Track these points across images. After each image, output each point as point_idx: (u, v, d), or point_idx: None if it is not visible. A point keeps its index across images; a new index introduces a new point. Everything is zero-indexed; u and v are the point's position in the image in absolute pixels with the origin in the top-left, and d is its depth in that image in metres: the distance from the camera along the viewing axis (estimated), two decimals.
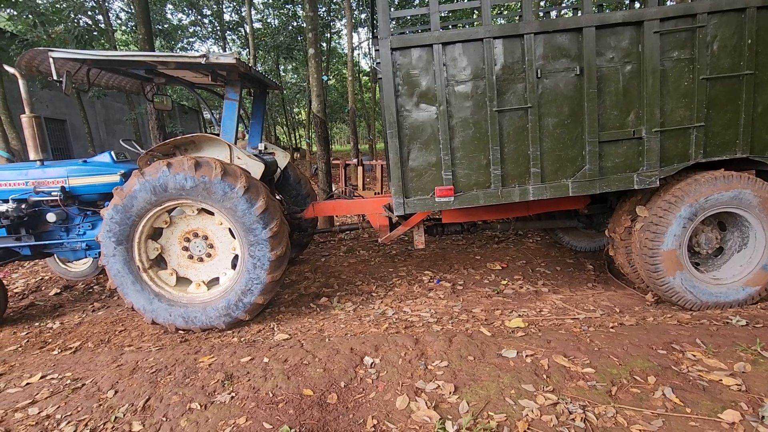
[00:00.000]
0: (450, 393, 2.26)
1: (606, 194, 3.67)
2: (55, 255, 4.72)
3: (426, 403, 2.20)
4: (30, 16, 12.44)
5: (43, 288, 4.90)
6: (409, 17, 7.43)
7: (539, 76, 3.01)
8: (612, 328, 2.94)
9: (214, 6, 18.12)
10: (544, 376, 2.36)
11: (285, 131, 24.50)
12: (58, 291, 4.70)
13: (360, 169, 8.78)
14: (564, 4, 6.97)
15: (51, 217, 3.98)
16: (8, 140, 7.39)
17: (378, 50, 2.99)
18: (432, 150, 3.12)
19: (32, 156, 3.92)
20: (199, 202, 3.29)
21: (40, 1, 12.85)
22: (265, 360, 2.72)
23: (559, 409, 2.09)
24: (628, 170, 3.14)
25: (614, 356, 2.53)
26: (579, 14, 3.34)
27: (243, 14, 19.62)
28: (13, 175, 3.95)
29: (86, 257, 4.30)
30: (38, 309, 4.24)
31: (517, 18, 4.29)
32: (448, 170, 3.12)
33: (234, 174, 3.29)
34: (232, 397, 2.37)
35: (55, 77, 3.29)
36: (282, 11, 19.35)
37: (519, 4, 4.27)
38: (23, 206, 3.90)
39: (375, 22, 4.43)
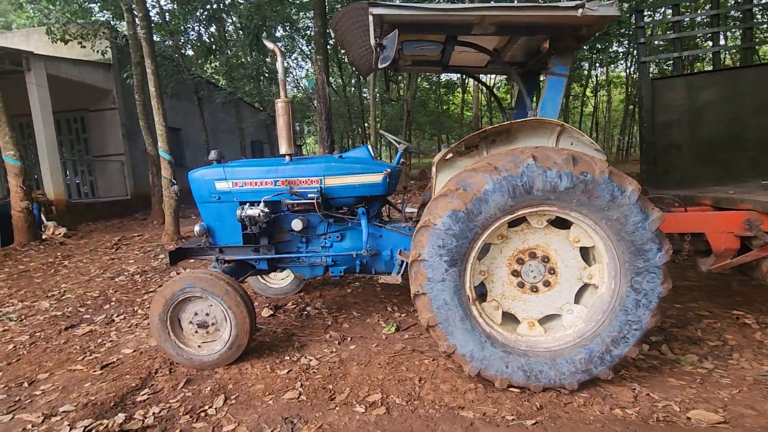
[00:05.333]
0: None
1: None
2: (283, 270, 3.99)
3: None
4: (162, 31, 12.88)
5: None
6: None
7: None
8: None
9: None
10: None
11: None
12: (271, 312, 3.97)
13: None
14: None
15: (297, 224, 3.23)
16: (169, 143, 7.10)
17: None
18: None
19: (283, 149, 3.17)
20: (566, 210, 2.33)
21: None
22: None
23: None
24: None
25: None
26: None
27: None
28: (261, 173, 3.24)
29: (326, 275, 3.53)
30: (267, 334, 3.49)
31: None
32: None
33: (617, 173, 2.31)
34: None
35: (372, 42, 2.51)
36: None
37: None
38: (271, 210, 3.19)
39: None
